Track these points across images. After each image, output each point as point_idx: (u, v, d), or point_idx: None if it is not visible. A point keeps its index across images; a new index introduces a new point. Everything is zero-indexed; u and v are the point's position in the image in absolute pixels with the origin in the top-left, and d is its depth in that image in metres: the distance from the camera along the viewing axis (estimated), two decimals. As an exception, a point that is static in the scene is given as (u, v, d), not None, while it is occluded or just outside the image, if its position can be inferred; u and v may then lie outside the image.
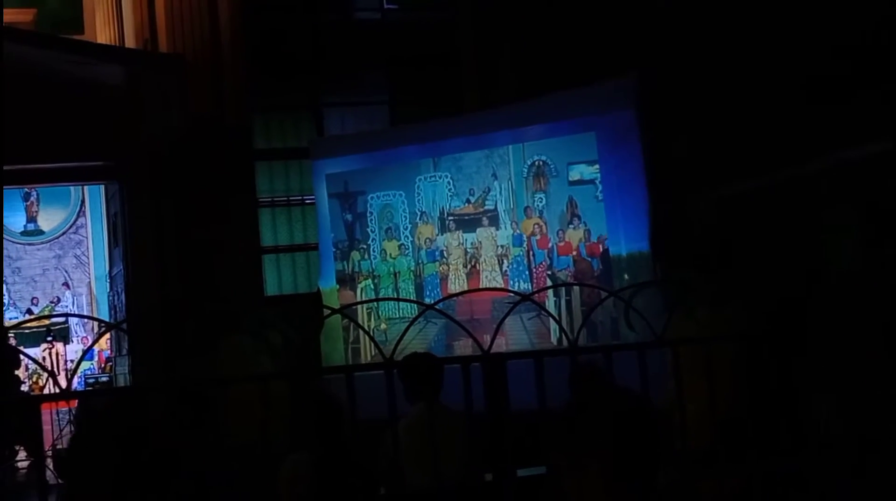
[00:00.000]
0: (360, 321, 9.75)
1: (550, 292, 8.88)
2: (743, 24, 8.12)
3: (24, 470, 10.39)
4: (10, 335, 16.68)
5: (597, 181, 8.89)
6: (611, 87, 8.78)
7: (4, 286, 19.09)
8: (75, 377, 12.26)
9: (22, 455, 10.64)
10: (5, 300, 19.05)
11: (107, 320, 14.34)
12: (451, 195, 9.72)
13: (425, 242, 9.84)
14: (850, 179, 6.83)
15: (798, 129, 7.52)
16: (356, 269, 10.18)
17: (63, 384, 12.53)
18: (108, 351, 14.98)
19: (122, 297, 11.29)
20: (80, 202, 19.63)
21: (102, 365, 16.28)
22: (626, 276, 8.56)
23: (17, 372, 13.72)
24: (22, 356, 16.38)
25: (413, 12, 12.60)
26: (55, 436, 10.41)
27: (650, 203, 8.50)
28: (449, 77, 12.24)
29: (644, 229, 8.51)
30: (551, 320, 8.83)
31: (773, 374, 3.45)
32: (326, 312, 9.64)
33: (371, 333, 9.75)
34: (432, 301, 9.48)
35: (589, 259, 8.94)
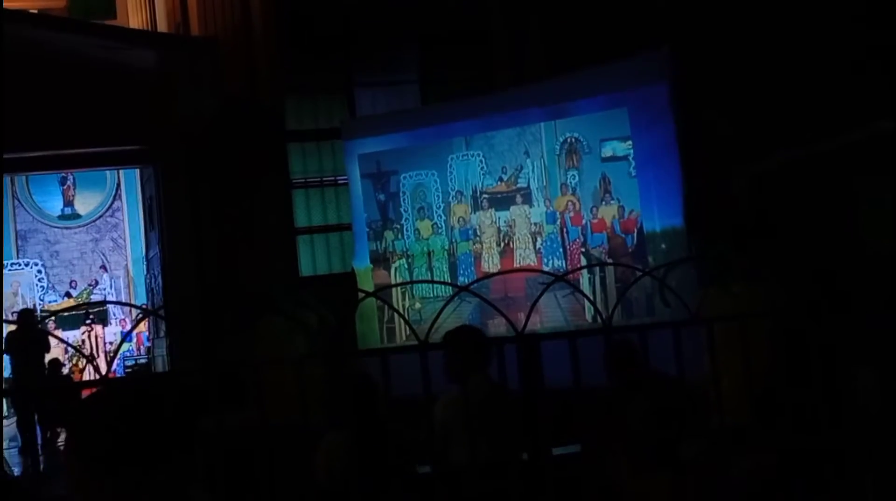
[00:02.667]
0: (395, 301, 9.77)
1: (584, 270, 8.86)
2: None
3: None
4: (50, 318, 16.92)
5: (630, 157, 8.84)
6: (643, 61, 8.70)
7: (44, 270, 19.38)
8: (114, 360, 12.42)
9: (63, 437, 10.80)
10: (44, 284, 19.30)
11: (143, 304, 14.50)
12: (483, 174, 9.71)
13: (458, 221, 9.84)
14: (886, 150, 6.75)
15: (834, 101, 7.44)
16: (390, 249, 10.21)
17: (102, 366, 12.71)
18: (147, 333, 15.15)
19: (160, 279, 11.41)
20: (115, 186, 19.81)
21: (139, 347, 16.48)
22: (663, 247, 8.51)
23: (56, 356, 13.93)
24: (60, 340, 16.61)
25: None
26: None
27: (684, 179, 8.44)
28: (479, 54, 12.21)
29: (678, 204, 8.45)
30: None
31: (810, 348, 3.42)
32: (361, 294, 9.67)
33: (406, 312, 9.78)
34: (466, 280, 9.49)
35: (623, 236, 8.91)
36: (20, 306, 17.79)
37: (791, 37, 7.92)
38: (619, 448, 2.66)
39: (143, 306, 11.87)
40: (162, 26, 12.39)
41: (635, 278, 6.83)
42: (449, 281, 9.62)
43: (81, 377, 16.13)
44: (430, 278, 9.95)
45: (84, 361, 16.03)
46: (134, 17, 13.48)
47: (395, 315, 9.84)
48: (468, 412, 3.46)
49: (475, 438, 3.68)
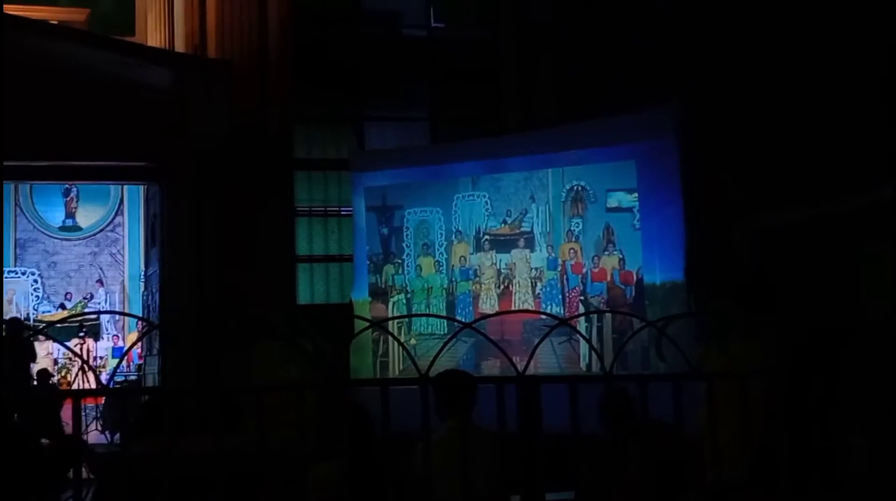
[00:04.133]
0: (390, 336, 9.78)
1: (582, 318, 8.87)
2: (784, 56, 8.11)
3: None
4: (46, 329, 16.85)
5: (634, 210, 8.89)
6: (652, 114, 8.79)
7: (40, 280, 19.35)
8: (114, 373, 12.37)
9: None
10: (39, 294, 19.26)
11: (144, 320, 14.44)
12: (488, 215, 9.75)
13: (460, 260, 9.87)
14: (888, 217, 6.79)
15: (839, 162, 7.50)
16: (389, 282, 10.23)
17: (90, 380, 12.66)
18: (138, 350, 15.10)
19: (157, 297, 11.39)
20: (118, 202, 19.83)
21: (128, 364, 16.40)
22: (662, 300, 8.53)
23: (45, 367, 13.88)
24: (51, 350, 16.55)
25: (458, 31, 12.70)
26: (81, 431, 10.48)
27: (687, 233, 8.48)
28: (490, 96, 12.31)
29: (680, 258, 8.49)
30: (581, 345, 8.82)
31: (805, 409, 3.44)
32: (362, 324, 9.67)
33: (400, 349, 9.78)
34: (464, 320, 9.50)
35: (622, 287, 8.93)
36: (14, 315, 17.74)
37: (801, 99, 7.99)
38: (616, 496, 2.67)
39: (149, 320, 11.84)
40: (179, 47, 12.45)
41: (638, 327, 6.85)
42: (452, 317, 9.64)
43: (70, 388, 16.03)
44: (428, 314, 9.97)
45: (73, 373, 15.96)
46: (152, 36, 13.56)
47: (390, 349, 9.83)
48: (429, 455, 3.47)
49: (450, 479, 3.68)
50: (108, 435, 11.75)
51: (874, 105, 7.08)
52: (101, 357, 17.40)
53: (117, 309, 19.16)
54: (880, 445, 4.39)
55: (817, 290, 7.55)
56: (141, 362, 13.57)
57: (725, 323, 5.83)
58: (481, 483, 4.35)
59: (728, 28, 8.88)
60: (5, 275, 19.00)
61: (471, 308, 9.75)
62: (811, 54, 7.89)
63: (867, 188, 7.05)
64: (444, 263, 9.96)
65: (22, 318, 18.21)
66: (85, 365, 12.29)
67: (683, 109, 8.61)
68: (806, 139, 7.94)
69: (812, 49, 7.87)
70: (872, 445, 4.56)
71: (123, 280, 19.65)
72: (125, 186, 18.67)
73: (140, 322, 18.09)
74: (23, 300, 19.02)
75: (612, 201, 9.06)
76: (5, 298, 18.72)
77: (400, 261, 10.18)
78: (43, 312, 18.95)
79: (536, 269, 9.50)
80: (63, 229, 19.81)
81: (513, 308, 9.48)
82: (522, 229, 9.58)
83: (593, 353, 8.75)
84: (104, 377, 12.64)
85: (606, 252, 9.05)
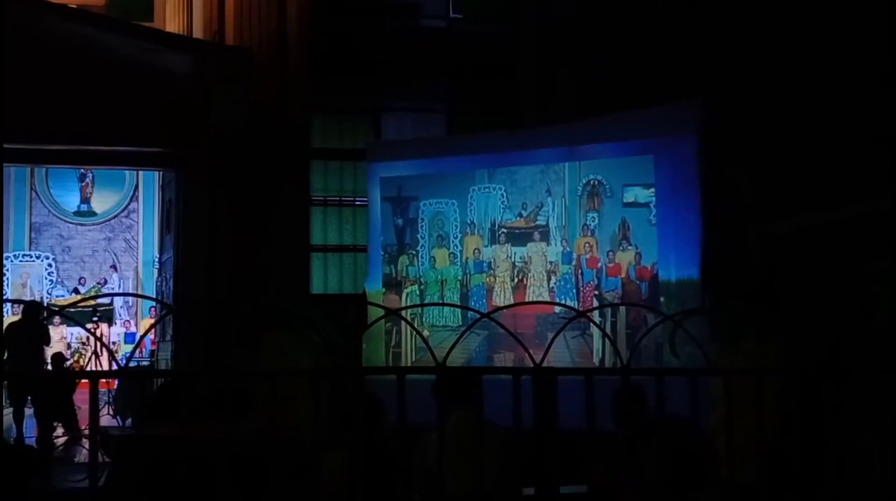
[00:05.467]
0: (404, 327, 9.77)
1: (596, 313, 8.83)
2: (812, 58, 8.05)
3: (61, 448, 10.53)
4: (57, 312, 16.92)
5: (651, 205, 8.84)
6: (673, 110, 8.73)
7: (54, 264, 19.42)
8: (129, 359, 12.39)
9: (59, 431, 10.79)
10: (53, 278, 19.33)
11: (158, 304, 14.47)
12: (503, 208, 9.72)
13: (473, 252, 9.85)
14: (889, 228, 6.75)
15: (860, 168, 7.44)
16: (403, 274, 10.21)
17: (103, 364, 12.70)
18: (151, 336, 15.14)
19: (171, 283, 11.41)
20: (133, 187, 19.89)
21: (141, 349, 16.45)
22: (676, 296, 8.49)
23: (59, 351, 13.94)
24: (64, 334, 16.61)
25: (477, 23, 12.66)
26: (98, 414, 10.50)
27: (704, 231, 8.44)
28: (508, 89, 12.27)
29: (695, 256, 8.45)
30: (594, 340, 8.80)
31: (818, 412, 3.41)
32: (375, 313, 9.65)
33: (414, 339, 9.77)
34: (479, 311, 9.48)
35: (637, 282, 8.89)
36: (28, 298, 17.83)
37: (825, 102, 7.94)
38: (630, 492, 2.64)
39: (166, 303, 11.86)
40: (198, 33, 12.46)
41: (655, 322, 6.80)
42: (467, 307, 9.62)
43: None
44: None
45: (86, 357, 16.02)
46: (171, 22, 13.58)
47: (403, 339, 9.83)
48: (442, 447, 3.46)
49: (457, 472, 3.68)
50: (120, 419, 11.79)
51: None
52: (113, 342, 17.45)
53: (133, 293, 19.24)
54: (891, 447, 4.35)
55: (830, 293, 7.51)
56: (154, 348, 13.61)
57: (740, 323, 5.79)
58: (487, 477, 4.33)
59: (752, 27, 8.82)
60: (20, 259, 19.09)
61: (484, 301, 9.72)
62: (833, 58, 7.83)
63: (883, 196, 7.00)
64: (459, 255, 9.94)
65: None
66: (102, 347, 12.30)
67: (706, 107, 8.55)
68: (825, 144, 7.89)
69: (834, 54, 7.81)
70: (883, 447, 4.52)
71: (137, 266, 19.73)
72: (140, 173, 18.74)
73: (153, 308, 18.17)
74: (37, 284, 19.11)
75: (629, 196, 9.02)
76: (19, 281, 18.82)
77: (414, 252, 10.16)
78: (57, 296, 19.03)
79: (551, 262, 9.46)
80: (78, 213, 19.89)
81: (528, 301, 9.46)
82: (538, 223, 9.54)
83: (606, 349, 8.72)
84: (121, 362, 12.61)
85: (622, 247, 9.01)
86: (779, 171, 8.46)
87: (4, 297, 14.95)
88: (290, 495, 3.58)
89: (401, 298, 10.15)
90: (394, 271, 10.26)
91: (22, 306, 13.25)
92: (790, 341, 5.80)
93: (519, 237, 9.65)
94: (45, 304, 18.36)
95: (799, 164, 8.14)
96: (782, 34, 8.44)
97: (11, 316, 12.97)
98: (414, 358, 9.78)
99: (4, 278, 18.78)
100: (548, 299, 9.33)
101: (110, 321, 17.46)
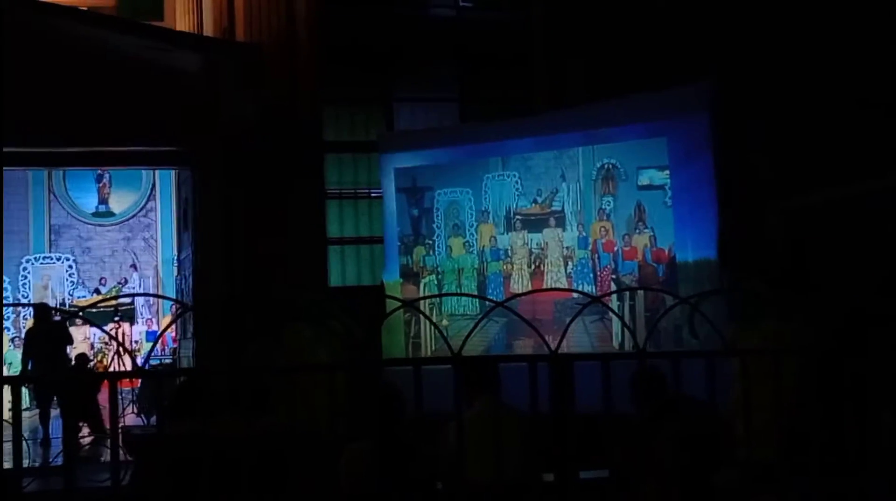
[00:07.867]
0: (422, 317, 9.78)
1: (614, 296, 8.83)
2: (823, 34, 8.00)
3: (87, 447, 10.60)
4: (78, 312, 17.03)
5: (666, 187, 8.82)
6: (685, 91, 8.69)
7: (74, 265, 19.54)
8: (148, 357, 12.49)
9: (84, 431, 10.87)
10: (74, 279, 19.45)
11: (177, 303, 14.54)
12: (518, 195, 9.71)
13: (490, 240, 9.85)
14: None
15: (875, 141, 7.39)
16: (420, 264, 10.23)
17: (126, 364, 12.77)
18: (172, 334, 15.22)
19: (190, 280, 11.47)
20: (150, 187, 19.96)
21: (163, 348, 16.54)
22: (694, 278, 8.47)
23: (83, 351, 14.03)
24: (88, 335, 16.72)
25: (487, 11, 12.61)
26: (118, 414, 10.57)
27: (720, 211, 8.41)
28: (519, 77, 12.23)
29: (712, 236, 8.42)
30: (613, 323, 8.79)
31: (839, 391, 3.39)
32: (394, 305, 9.68)
33: (432, 330, 9.79)
34: (495, 300, 9.49)
35: (654, 265, 8.88)
36: (51, 301, 17.97)
37: (835, 78, 7.88)
38: (647, 473, 2.65)
39: (182, 302, 11.91)
40: (208, 30, 12.49)
41: (671, 304, 6.80)
42: (484, 296, 9.62)
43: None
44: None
45: (110, 357, 16.13)
46: (181, 21, 13.61)
47: (422, 330, 9.85)
48: (463, 433, 3.46)
49: (483, 458, 3.68)
50: (144, 418, 11.86)
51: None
52: (136, 341, 17.55)
53: (151, 293, 19.32)
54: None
55: (850, 270, 7.47)
56: (175, 345, 13.69)
57: (759, 303, 5.77)
58: (509, 463, 4.34)
59: (761, 5, 8.77)
60: (41, 261, 19.22)
61: (502, 288, 9.73)
62: (845, 35, 7.77)
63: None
64: (475, 243, 9.94)
65: (57, 303, 18.44)
66: (121, 348, 12.38)
67: (717, 88, 8.52)
68: (839, 119, 7.84)
69: (847, 30, 7.76)
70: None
71: (157, 265, 19.81)
72: (157, 172, 18.81)
73: (174, 306, 18.25)
74: (58, 286, 19.23)
75: (644, 179, 8.99)
76: (41, 284, 18.95)
77: (430, 242, 10.17)
78: (78, 297, 19.14)
79: (568, 248, 9.46)
80: (96, 214, 19.99)
81: (544, 288, 9.45)
82: (553, 209, 9.53)
83: (625, 332, 8.71)
84: (139, 361, 12.72)
85: (638, 231, 8.99)
86: (794, 148, 8.41)
87: (6, 301, 15.07)
88: (311, 486, 3.61)
89: (418, 288, 10.17)
90: (410, 261, 10.28)
91: (33, 309, 13.34)
92: (811, 319, 5.77)
93: (535, 224, 9.64)
94: (67, 306, 18.48)
95: (814, 140, 8.10)
96: (793, 11, 8.38)
97: (30, 321, 13.07)
98: (434, 348, 9.80)
99: (26, 281, 18.95)
100: (565, 284, 9.32)
101: (132, 320, 17.56)
